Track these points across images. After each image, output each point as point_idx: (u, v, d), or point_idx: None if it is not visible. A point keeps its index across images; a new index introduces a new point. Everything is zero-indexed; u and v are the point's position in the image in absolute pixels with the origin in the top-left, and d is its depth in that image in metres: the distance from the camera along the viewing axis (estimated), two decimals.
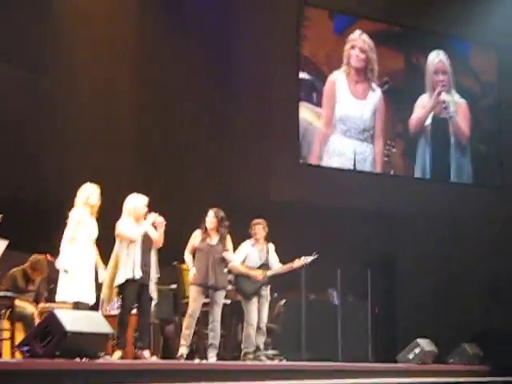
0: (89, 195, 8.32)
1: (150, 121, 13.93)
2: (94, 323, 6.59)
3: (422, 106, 16.70)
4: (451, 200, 15.69)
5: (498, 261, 15.32)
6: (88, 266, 8.22)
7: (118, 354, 8.34)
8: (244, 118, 14.59)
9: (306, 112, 15.64)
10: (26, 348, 6.17)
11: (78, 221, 8.13)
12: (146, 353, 8.51)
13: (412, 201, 15.36)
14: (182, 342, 9.15)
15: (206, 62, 14.25)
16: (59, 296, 8.21)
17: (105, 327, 6.69)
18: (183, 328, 9.31)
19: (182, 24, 13.92)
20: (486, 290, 15.51)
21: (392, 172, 16.22)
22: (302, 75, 15.80)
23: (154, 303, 8.96)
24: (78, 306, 8.05)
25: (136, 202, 8.72)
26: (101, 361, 6.39)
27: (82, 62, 12.81)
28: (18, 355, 7.13)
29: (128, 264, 8.51)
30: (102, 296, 9.97)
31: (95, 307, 9.12)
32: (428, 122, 16.67)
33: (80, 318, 6.53)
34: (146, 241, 8.69)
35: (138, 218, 8.64)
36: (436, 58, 17.09)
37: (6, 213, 8.17)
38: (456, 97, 17.02)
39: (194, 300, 9.30)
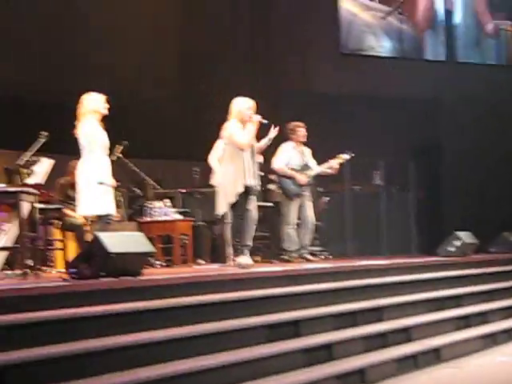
0: (98, 103, 7.73)
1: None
2: (136, 243, 6.82)
3: None
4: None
5: None
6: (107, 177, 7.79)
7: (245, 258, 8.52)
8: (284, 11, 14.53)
9: (349, 3, 15.33)
10: (73, 270, 6.49)
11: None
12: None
13: (455, 87, 15.09)
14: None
15: None
16: (84, 210, 7.90)
17: (146, 246, 6.94)
18: None
19: None
20: None
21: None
22: None
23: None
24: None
25: (241, 105, 8.52)
26: (143, 277, 6.65)
27: None
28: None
29: (243, 171, 8.35)
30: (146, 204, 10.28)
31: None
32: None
33: (122, 238, 6.76)
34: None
35: (244, 121, 8.45)
36: None
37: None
38: None
39: None
